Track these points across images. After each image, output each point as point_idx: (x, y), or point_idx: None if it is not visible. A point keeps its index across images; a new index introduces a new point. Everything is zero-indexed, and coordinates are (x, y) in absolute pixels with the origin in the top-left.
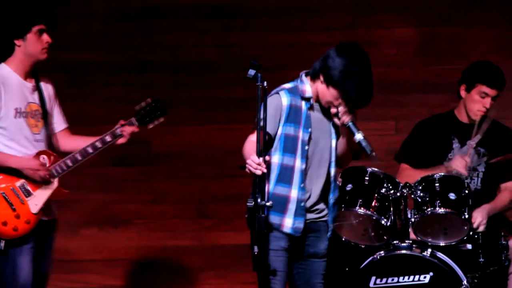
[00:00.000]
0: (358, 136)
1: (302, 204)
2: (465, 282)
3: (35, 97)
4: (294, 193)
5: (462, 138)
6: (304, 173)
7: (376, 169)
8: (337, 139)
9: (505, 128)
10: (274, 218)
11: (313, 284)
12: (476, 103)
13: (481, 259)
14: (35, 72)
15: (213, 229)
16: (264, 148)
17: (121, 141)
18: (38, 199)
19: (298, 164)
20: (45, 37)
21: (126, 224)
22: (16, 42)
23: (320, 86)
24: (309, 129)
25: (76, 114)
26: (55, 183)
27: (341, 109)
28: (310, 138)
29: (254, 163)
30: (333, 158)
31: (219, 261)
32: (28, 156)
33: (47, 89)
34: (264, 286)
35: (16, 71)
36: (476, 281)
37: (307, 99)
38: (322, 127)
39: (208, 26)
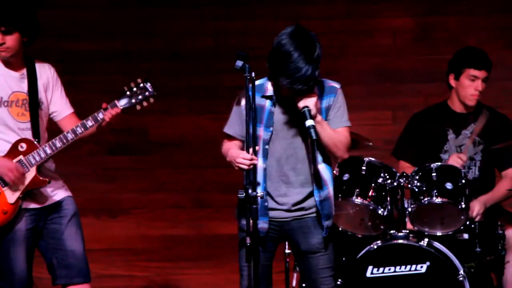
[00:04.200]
0: (308, 122)
1: (266, 204)
2: (461, 271)
3: (23, 86)
4: (256, 193)
5: (456, 128)
6: (266, 172)
7: (373, 159)
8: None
9: (500, 116)
10: (245, 219)
11: (315, 280)
12: (468, 88)
13: (478, 249)
14: (29, 60)
15: (211, 218)
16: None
17: (104, 123)
18: (15, 188)
19: (260, 163)
20: None
21: (123, 213)
22: None
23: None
24: (271, 128)
25: (72, 103)
26: (33, 171)
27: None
28: (272, 137)
29: (246, 159)
30: (308, 153)
31: (217, 250)
32: (4, 156)
33: (45, 75)
34: (255, 276)
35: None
36: (472, 270)
37: (268, 97)
38: (293, 125)
39: (206, 14)
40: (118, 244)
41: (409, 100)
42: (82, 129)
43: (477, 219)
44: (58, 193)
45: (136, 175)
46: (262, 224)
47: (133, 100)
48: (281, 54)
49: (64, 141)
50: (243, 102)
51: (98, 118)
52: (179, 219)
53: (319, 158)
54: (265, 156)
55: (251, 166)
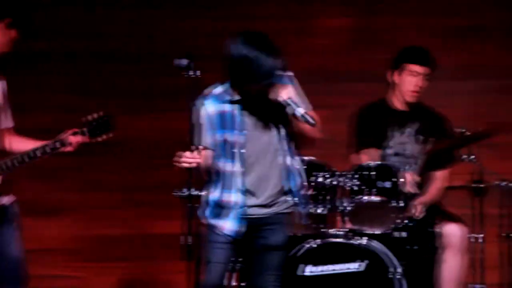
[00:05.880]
0: (299, 111)
1: (243, 207)
2: (399, 269)
3: None
4: (234, 197)
5: (397, 125)
6: (244, 176)
7: (312, 158)
8: (286, 126)
9: (439, 115)
10: (215, 222)
11: (265, 276)
12: (408, 84)
13: (416, 247)
14: None
15: (147, 218)
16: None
17: (68, 149)
18: None
19: (237, 168)
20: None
21: (60, 213)
22: None
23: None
24: (245, 131)
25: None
26: None
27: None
28: (246, 140)
29: (187, 157)
30: (280, 147)
31: (152, 250)
32: None
33: (2, 84)
34: (195, 275)
35: None
36: (410, 268)
37: (238, 102)
38: (260, 123)
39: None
40: (54, 245)
41: (347, 99)
42: (51, 149)
43: (417, 214)
44: (6, 196)
45: (73, 175)
46: (240, 228)
47: (97, 131)
48: (248, 62)
49: (33, 156)
50: (202, 112)
51: (66, 142)
52: (115, 218)
53: (291, 149)
54: (243, 160)
55: (193, 165)
